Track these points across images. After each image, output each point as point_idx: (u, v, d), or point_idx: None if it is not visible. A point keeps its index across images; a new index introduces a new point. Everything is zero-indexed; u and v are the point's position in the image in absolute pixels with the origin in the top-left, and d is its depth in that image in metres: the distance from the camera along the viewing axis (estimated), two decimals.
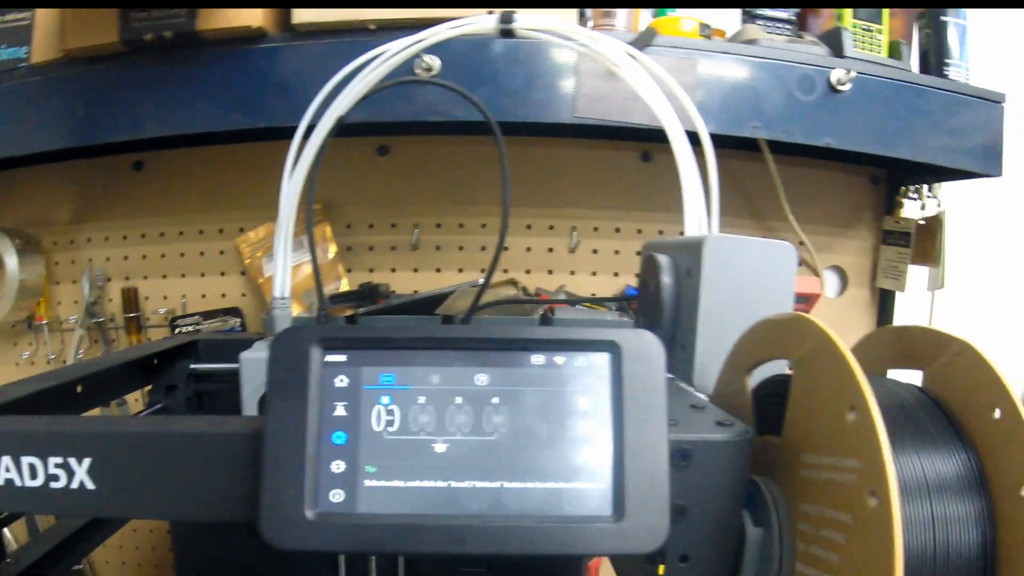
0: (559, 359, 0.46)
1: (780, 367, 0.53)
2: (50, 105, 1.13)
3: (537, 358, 0.46)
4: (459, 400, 0.45)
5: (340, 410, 0.45)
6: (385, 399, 0.45)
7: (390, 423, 0.44)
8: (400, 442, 0.44)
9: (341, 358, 0.46)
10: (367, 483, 0.44)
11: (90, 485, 0.48)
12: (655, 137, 1.21)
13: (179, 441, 0.48)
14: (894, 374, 0.55)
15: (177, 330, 1.36)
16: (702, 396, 0.58)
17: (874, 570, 0.38)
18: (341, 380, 0.45)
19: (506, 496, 0.43)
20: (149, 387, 0.94)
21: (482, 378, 0.45)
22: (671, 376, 0.65)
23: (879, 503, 0.37)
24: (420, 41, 0.79)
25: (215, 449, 0.47)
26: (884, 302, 1.42)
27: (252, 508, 0.44)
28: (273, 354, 0.45)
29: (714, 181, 0.77)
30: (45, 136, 1.14)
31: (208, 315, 1.36)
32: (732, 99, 1.06)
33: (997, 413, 0.44)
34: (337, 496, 0.43)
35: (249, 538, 0.42)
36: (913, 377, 0.53)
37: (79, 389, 0.72)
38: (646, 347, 0.45)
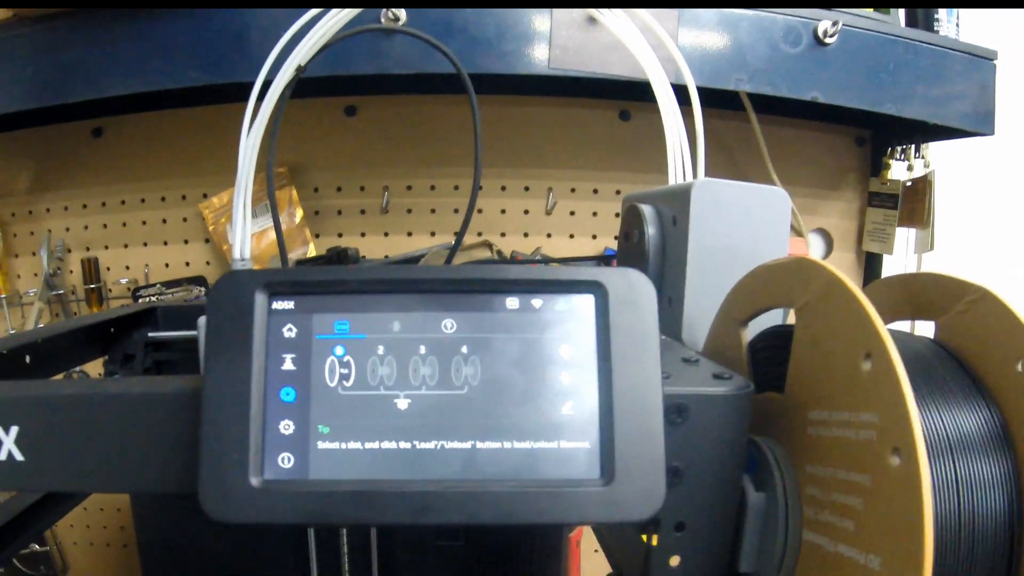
0: (536, 302, 0.40)
1: (774, 320, 0.50)
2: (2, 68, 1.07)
3: (511, 301, 0.40)
4: (423, 350, 0.40)
5: (288, 363, 0.39)
6: (339, 350, 0.40)
7: (345, 377, 0.39)
8: (357, 398, 0.39)
9: (289, 305, 0.40)
10: (320, 445, 0.39)
11: (19, 456, 0.43)
12: (634, 95, 1.20)
13: (111, 404, 0.43)
14: (901, 328, 0.51)
15: (140, 300, 1.30)
16: (693, 351, 0.53)
17: (899, 537, 0.33)
18: (289, 330, 0.40)
19: (478, 458, 0.38)
20: (106, 358, 0.89)
21: (449, 324, 0.40)
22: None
23: (903, 461, 0.33)
24: None
25: (150, 411, 0.42)
26: (871, 265, 1.39)
27: (193, 477, 0.38)
28: (212, 303, 0.40)
29: (699, 127, 0.73)
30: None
31: (171, 284, 1.31)
32: (715, 51, 1.02)
33: (1020, 366, 0.40)
34: (286, 461, 0.38)
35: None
36: (923, 331, 0.49)
37: (27, 359, 0.66)
38: (634, 288, 0.40)
